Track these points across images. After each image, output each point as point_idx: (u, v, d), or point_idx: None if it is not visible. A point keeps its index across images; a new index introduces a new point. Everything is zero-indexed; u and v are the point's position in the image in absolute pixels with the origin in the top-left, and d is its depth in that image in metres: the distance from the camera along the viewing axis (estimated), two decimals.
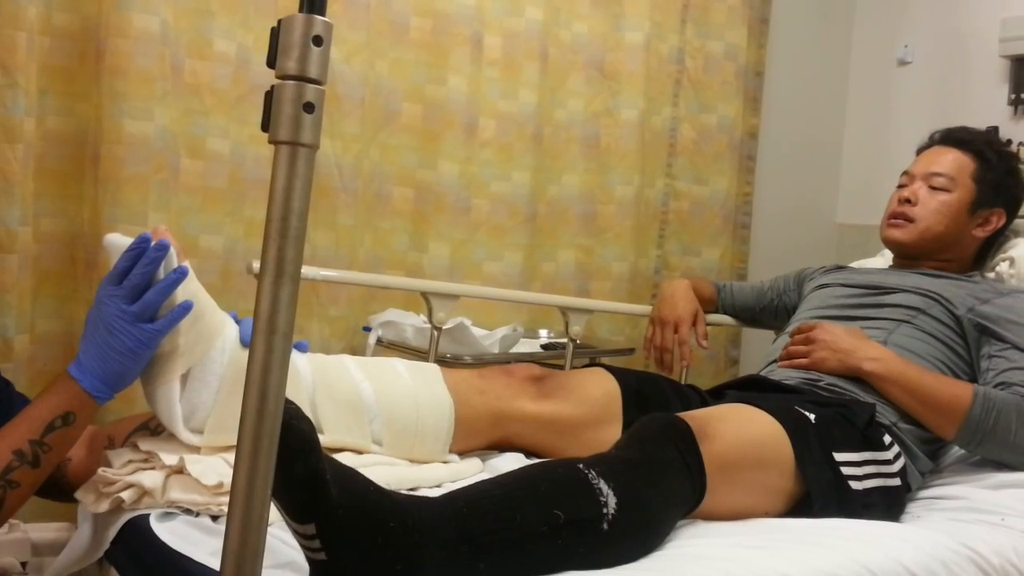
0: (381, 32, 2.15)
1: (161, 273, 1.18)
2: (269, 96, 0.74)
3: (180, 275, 1.18)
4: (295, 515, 0.92)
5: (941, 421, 1.52)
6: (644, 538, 1.11)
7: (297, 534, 0.93)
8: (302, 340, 1.41)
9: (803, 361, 1.65)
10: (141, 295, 1.16)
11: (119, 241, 1.20)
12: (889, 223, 1.84)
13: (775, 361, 1.74)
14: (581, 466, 1.08)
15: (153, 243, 1.17)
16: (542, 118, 2.39)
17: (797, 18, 2.82)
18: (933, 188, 1.80)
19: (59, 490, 1.30)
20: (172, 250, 1.19)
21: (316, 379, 1.34)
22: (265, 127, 0.74)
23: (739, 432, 1.29)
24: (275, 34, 0.74)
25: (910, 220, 1.80)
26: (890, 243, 1.87)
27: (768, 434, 1.32)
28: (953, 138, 1.85)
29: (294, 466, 0.88)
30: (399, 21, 2.18)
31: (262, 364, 0.73)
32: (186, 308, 1.19)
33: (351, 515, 0.92)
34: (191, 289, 1.22)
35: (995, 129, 1.93)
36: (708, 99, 2.62)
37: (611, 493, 1.06)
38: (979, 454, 1.55)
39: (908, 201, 1.81)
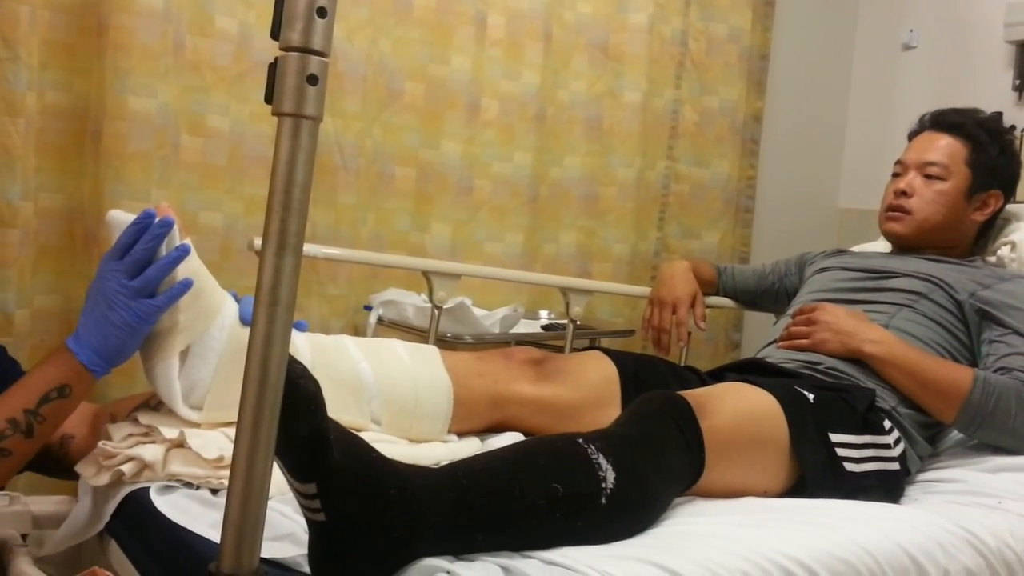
0: (384, 10, 2.15)
1: (163, 250, 1.18)
2: (272, 68, 0.74)
3: (182, 253, 1.19)
4: (296, 473, 0.92)
5: (941, 405, 1.52)
6: (642, 513, 1.12)
7: (298, 493, 0.94)
8: (301, 319, 1.42)
9: (804, 342, 1.65)
10: (142, 270, 1.16)
11: (122, 217, 1.20)
12: (887, 216, 1.84)
13: (774, 342, 1.74)
14: (581, 441, 1.09)
15: (157, 219, 1.17)
16: (545, 99, 2.39)
17: (802, 1, 2.81)
18: (928, 177, 1.79)
19: (61, 468, 1.30)
20: (175, 227, 1.19)
21: (315, 358, 1.34)
22: (268, 99, 0.74)
23: (737, 408, 1.29)
24: (279, 5, 0.74)
25: (907, 212, 1.80)
26: (890, 236, 1.87)
27: (766, 411, 1.32)
28: (944, 123, 1.83)
29: (298, 424, 0.88)
30: None
31: (264, 336, 0.74)
32: (186, 285, 1.19)
33: (352, 478, 0.93)
34: (192, 267, 1.22)
35: (999, 114, 1.92)
36: (710, 82, 2.61)
37: (610, 468, 1.06)
38: (978, 438, 1.56)
39: (904, 193, 1.81)
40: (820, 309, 1.67)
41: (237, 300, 1.31)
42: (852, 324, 1.62)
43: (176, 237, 1.20)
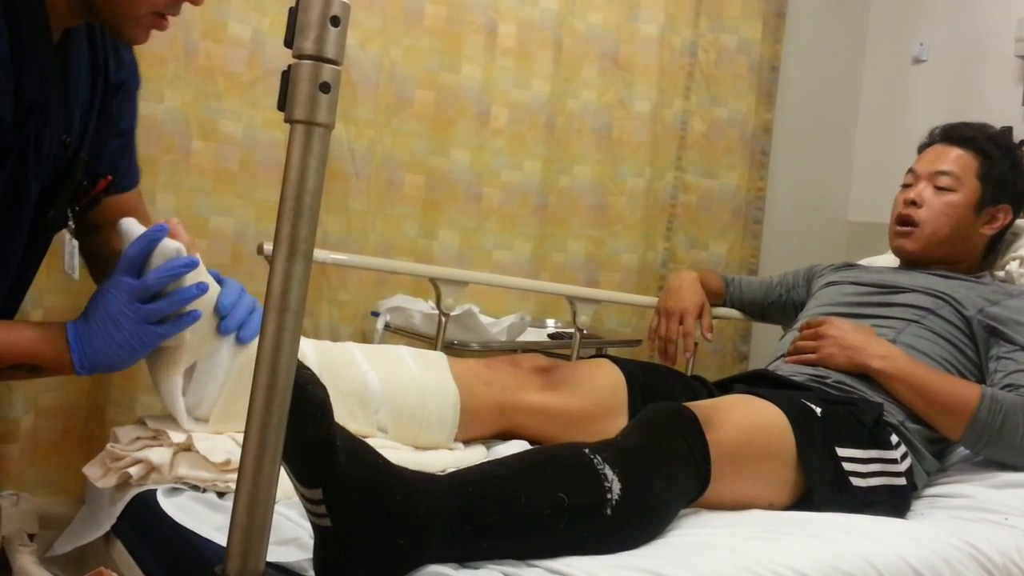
0: (396, 19, 2.16)
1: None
2: (286, 75, 0.75)
3: (200, 292, 1.16)
4: (303, 479, 0.93)
5: (948, 421, 1.52)
6: (647, 524, 1.12)
7: (304, 498, 0.94)
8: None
9: (811, 356, 1.65)
10: (155, 298, 1.14)
11: (133, 228, 1.18)
12: (897, 231, 1.83)
13: (783, 356, 1.74)
14: (587, 451, 1.09)
15: (184, 258, 1.15)
16: (555, 108, 2.39)
17: (813, 13, 2.81)
18: (938, 188, 1.79)
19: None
20: (200, 266, 1.18)
21: (321, 365, 1.35)
22: (281, 106, 0.75)
23: (745, 422, 1.29)
24: (293, 14, 0.74)
25: (916, 224, 1.80)
26: (900, 253, 1.86)
27: (773, 424, 1.32)
28: (955, 136, 1.84)
29: (306, 430, 0.88)
30: (414, 8, 2.19)
31: (273, 341, 0.74)
32: (194, 318, 1.17)
33: (358, 484, 0.93)
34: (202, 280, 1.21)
35: (1009, 129, 1.92)
36: (720, 93, 2.62)
37: (616, 479, 1.06)
38: (985, 455, 1.55)
39: (913, 203, 1.80)
40: (827, 323, 1.67)
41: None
42: (859, 339, 1.61)
43: (197, 274, 1.17)
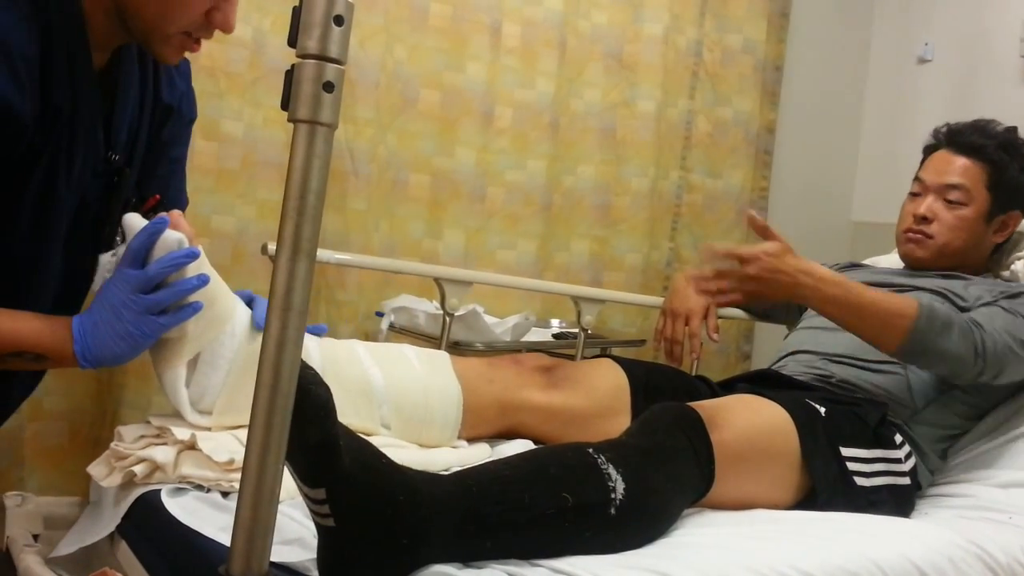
0: (400, 18, 2.16)
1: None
2: (289, 75, 0.75)
3: (201, 283, 1.18)
4: (307, 479, 0.93)
5: (885, 333, 1.47)
6: (651, 524, 1.12)
7: (308, 498, 0.95)
8: (321, 324, 1.43)
9: (733, 289, 1.56)
10: (155, 288, 1.15)
11: (136, 222, 1.19)
12: (907, 238, 1.81)
13: (788, 355, 1.73)
14: (591, 451, 1.09)
15: (185, 247, 1.16)
16: (559, 108, 2.39)
17: (817, 13, 2.81)
18: (948, 201, 1.76)
19: None
20: (202, 257, 1.19)
21: (325, 363, 1.35)
22: (285, 106, 0.75)
23: (749, 422, 1.29)
24: (296, 13, 0.74)
25: (928, 237, 1.78)
26: (908, 259, 1.84)
27: (777, 425, 1.32)
28: (963, 144, 1.79)
29: (309, 430, 0.89)
30: (418, 7, 2.19)
31: (276, 340, 0.74)
32: (195, 309, 1.18)
33: (362, 484, 0.93)
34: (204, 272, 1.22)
35: (1014, 129, 1.91)
36: (724, 92, 2.61)
37: (620, 478, 1.06)
38: (919, 366, 1.53)
39: (924, 219, 1.77)
40: (759, 251, 1.51)
41: (250, 303, 1.31)
42: (788, 263, 1.50)
43: (198, 265, 1.19)
